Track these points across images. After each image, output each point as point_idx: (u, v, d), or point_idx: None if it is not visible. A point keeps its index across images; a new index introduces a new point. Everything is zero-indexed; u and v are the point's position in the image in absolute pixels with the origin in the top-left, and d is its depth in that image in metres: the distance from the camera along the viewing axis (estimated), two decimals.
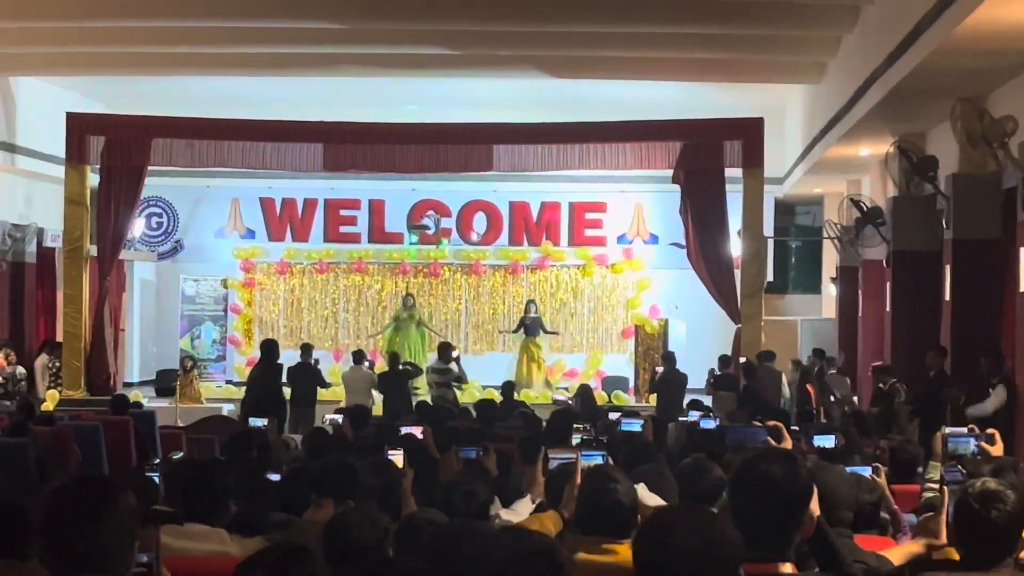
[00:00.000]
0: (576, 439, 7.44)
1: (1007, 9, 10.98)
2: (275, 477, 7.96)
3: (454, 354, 20.24)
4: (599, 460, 5.27)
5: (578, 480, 5.15)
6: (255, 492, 6.93)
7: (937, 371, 14.70)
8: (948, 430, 9.79)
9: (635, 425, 10.02)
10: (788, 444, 5.87)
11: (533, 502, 5.77)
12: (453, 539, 4.42)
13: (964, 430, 9.97)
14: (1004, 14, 11.15)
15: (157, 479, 8.17)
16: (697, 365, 21.15)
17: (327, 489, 5.89)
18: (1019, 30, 11.67)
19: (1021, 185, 12.32)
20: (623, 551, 4.75)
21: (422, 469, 8.53)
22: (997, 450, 7.55)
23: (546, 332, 25.01)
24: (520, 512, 5.70)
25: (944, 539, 4.63)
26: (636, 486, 5.26)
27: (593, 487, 4.84)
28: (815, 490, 4.08)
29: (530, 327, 24.70)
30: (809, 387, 19.29)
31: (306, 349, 20.12)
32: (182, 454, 14.02)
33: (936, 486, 7.34)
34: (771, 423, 6.15)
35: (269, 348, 19.05)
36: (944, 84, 14.21)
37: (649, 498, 5.23)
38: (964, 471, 7.09)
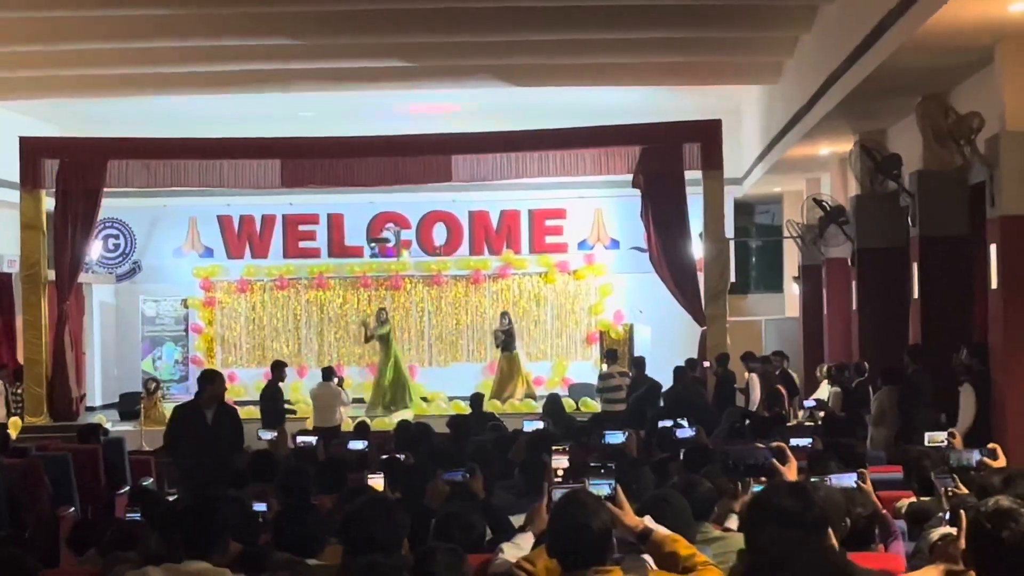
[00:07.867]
0: (562, 462, 7.21)
1: (970, 6, 10.97)
2: (259, 507, 7.70)
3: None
4: (606, 490, 5.08)
5: None
6: (245, 525, 6.62)
7: (915, 370, 14.59)
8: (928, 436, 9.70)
9: (618, 437, 9.81)
10: (793, 465, 5.73)
11: (534, 535, 5.63)
12: None
13: (943, 434, 9.87)
14: (967, 11, 11.14)
15: (138, 516, 7.99)
16: (664, 369, 21.03)
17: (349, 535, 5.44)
18: (982, 27, 11.67)
19: (989, 182, 12.28)
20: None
21: (406, 493, 8.41)
22: (1000, 464, 7.41)
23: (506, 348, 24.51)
24: (523, 546, 5.57)
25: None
26: (643, 518, 5.12)
27: (562, 513, 4.71)
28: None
29: (507, 340, 24.46)
30: (780, 388, 19.20)
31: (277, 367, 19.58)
32: (151, 480, 13.89)
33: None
34: (776, 444, 6.01)
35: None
36: (906, 82, 14.20)
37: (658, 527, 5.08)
38: (955, 478, 6.97)
